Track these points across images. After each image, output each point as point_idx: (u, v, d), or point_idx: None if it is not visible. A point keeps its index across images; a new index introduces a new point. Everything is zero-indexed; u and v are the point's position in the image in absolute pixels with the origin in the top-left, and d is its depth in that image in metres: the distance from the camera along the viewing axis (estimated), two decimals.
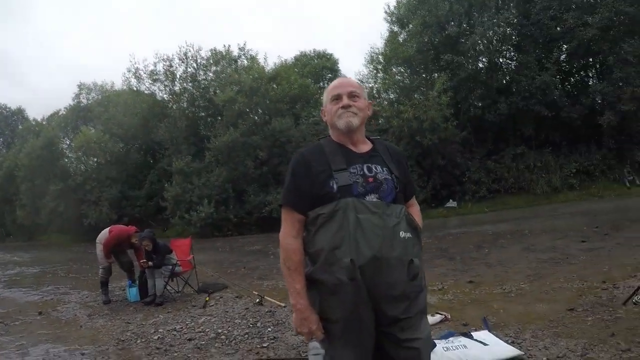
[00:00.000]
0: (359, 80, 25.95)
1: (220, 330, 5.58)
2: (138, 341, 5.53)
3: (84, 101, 32.74)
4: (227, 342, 5.15)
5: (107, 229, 8.41)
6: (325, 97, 2.18)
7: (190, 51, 24.84)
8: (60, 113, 34.51)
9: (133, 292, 7.98)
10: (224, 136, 21.26)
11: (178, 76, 25.34)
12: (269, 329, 5.42)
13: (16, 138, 39.17)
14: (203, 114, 25.08)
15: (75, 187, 26.53)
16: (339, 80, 2.23)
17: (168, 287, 8.03)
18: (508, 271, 7.70)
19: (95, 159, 27.53)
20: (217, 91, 23.24)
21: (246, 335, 5.28)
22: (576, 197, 18.10)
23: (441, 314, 5.27)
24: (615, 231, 10.42)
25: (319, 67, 28.78)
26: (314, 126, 20.68)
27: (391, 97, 20.41)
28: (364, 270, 1.85)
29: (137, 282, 8.02)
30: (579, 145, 19.55)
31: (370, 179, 1.99)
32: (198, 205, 20.98)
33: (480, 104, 19.84)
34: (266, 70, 23.99)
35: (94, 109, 30.19)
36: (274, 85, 22.89)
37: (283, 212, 2.08)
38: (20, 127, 41.98)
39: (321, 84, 26.89)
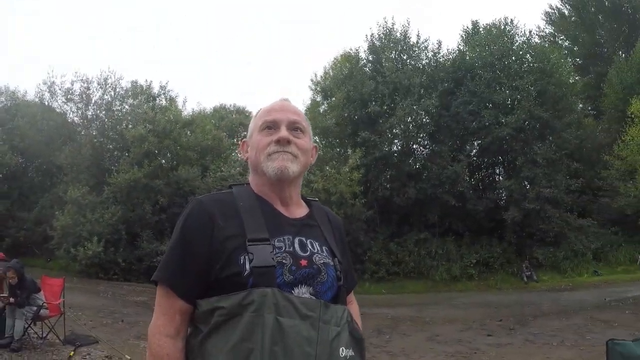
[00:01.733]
0: None
1: None
2: None
3: None
4: None
5: None
6: (253, 124, 1.50)
7: (111, 78, 23.70)
8: None
9: None
10: (127, 174, 20.18)
11: (93, 101, 23.95)
12: None
13: None
14: (110, 146, 23.68)
15: None
16: (278, 102, 1.51)
17: (29, 331, 6.95)
18: None
19: None
20: (130, 125, 22.11)
21: None
22: (474, 287, 18.40)
23: None
24: (520, 326, 10.38)
25: (236, 122, 28.40)
26: (220, 181, 20.01)
27: None
28: None
29: None
30: (481, 237, 20.07)
31: (304, 262, 1.33)
32: (87, 242, 19.54)
33: (389, 186, 20.05)
34: (182, 115, 23.24)
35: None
36: (188, 132, 22.19)
37: (158, 293, 1.34)
38: None
39: (235, 140, 26.40)
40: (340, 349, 1.27)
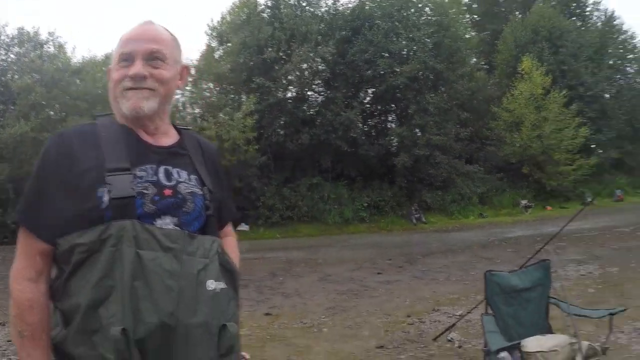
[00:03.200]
0: None
1: None
2: None
3: None
4: None
5: None
6: (114, 53, 1.37)
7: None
8: None
9: None
10: (13, 128, 18.93)
11: None
12: None
13: None
14: None
15: None
16: (137, 28, 1.37)
17: None
18: (307, 303, 7.39)
19: None
20: (15, 76, 20.81)
21: None
22: (366, 229, 19.07)
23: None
24: (409, 264, 10.81)
25: None
26: None
27: (196, 112, 19.88)
28: (146, 347, 1.11)
29: None
30: (373, 182, 20.86)
31: (168, 192, 1.27)
32: None
33: (283, 132, 20.25)
34: (72, 63, 22.09)
35: None
36: (77, 81, 21.17)
37: (19, 235, 1.26)
38: None
39: None
40: (208, 281, 1.20)
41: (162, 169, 1.30)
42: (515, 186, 24.28)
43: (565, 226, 5.36)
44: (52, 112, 20.43)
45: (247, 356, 4.15)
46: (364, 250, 13.84)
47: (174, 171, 1.32)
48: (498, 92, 25.83)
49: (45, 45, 22.04)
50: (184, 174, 1.34)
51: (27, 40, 22.00)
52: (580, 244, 12.77)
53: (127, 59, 1.32)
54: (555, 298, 4.14)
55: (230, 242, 1.57)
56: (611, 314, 3.76)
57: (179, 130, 1.47)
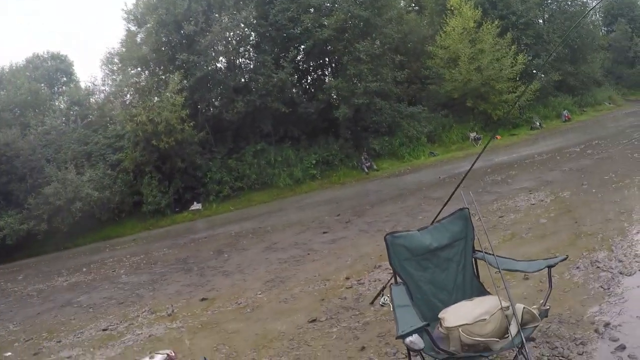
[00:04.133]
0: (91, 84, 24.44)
1: None
2: None
3: None
4: None
5: None
6: None
7: None
8: None
9: None
10: None
11: None
12: None
13: None
14: None
15: None
16: None
17: None
18: (246, 279, 7.15)
19: None
20: None
21: None
22: (318, 186, 19.05)
23: (162, 353, 4.18)
24: (357, 217, 10.58)
25: (53, 69, 26.44)
26: (44, 136, 18.70)
27: (127, 99, 19.30)
28: None
29: None
30: (317, 138, 20.75)
31: None
32: None
33: (217, 104, 19.82)
34: None
35: None
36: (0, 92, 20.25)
37: None
38: None
39: (55, 88, 24.83)
40: None
41: None
42: (461, 120, 24.49)
43: (474, 164, 4.77)
44: None
45: (172, 353, 3.98)
46: (315, 209, 13.67)
47: None
48: (431, 30, 25.89)
49: None
50: None
51: None
52: (531, 170, 12.82)
53: None
54: (480, 251, 3.49)
55: None
56: (549, 266, 3.02)
57: None
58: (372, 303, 4.84)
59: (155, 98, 18.04)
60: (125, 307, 6.97)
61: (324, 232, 9.49)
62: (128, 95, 19.54)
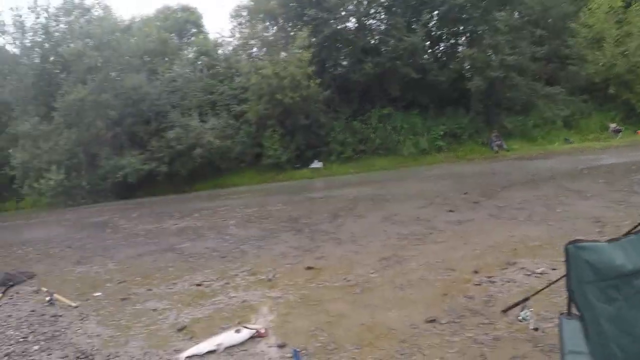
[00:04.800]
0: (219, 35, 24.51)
1: None
2: None
3: None
4: None
5: None
6: None
7: None
8: None
9: None
10: (72, 94, 19.12)
11: (29, 27, 22.36)
12: (36, 347, 4.10)
13: None
14: (57, 70, 22.22)
15: None
16: None
17: None
18: (359, 252, 6.18)
19: None
20: (71, 44, 20.82)
21: (6, 358, 3.95)
22: (444, 159, 17.86)
23: (251, 328, 3.63)
24: (486, 199, 9.25)
25: (182, 21, 26.47)
26: (170, 83, 19.05)
27: (253, 52, 19.14)
28: None
29: None
30: (446, 109, 19.42)
31: None
32: (46, 172, 18.91)
33: (345, 63, 19.21)
34: (120, 22, 22.03)
35: None
36: (130, 39, 20.98)
37: None
38: None
39: (185, 39, 25.31)
40: None
41: None
42: (601, 108, 21.93)
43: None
44: (113, 73, 20.28)
45: (263, 330, 3.68)
46: (439, 182, 12.50)
47: None
48: (574, 7, 23.59)
49: (92, 10, 22.04)
50: None
51: (74, 8, 22.03)
52: None
53: None
54: None
55: None
56: None
57: None
58: (504, 311, 3.64)
59: (282, 53, 17.72)
60: (225, 262, 6.43)
61: (450, 211, 8.23)
62: (255, 49, 19.64)
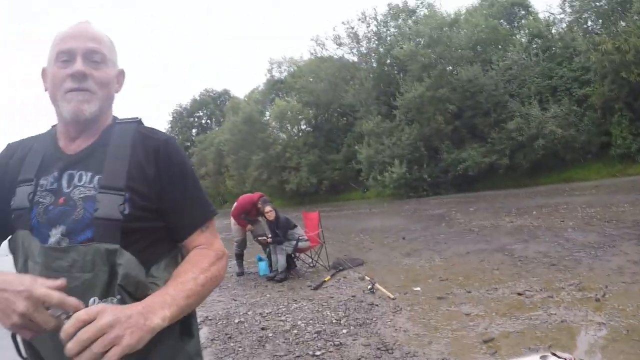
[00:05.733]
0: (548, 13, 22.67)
1: (299, 323, 4.79)
2: (218, 323, 5.11)
3: (277, 75, 34.86)
4: (291, 339, 4.33)
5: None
6: (50, 52, 1.25)
7: (367, 9, 24.97)
8: (259, 89, 36.79)
9: (262, 266, 7.72)
10: (410, 92, 20.81)
11: (362, 36, 25.39)
12: (345, 331, 4.40)
13: (222, 117, 42.22)
14: (394, 71, 24.59)
15: (276, 156, 28.51)
16: (75, 26, 1.26)
17: (299, 262, 7.82)
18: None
19: (294, 127, 29.50)
20: (403, 46, 22.27)
21: (315, 335, 4.34)
22: None
23: (562, 357, 2.93)
24: None
25: (509, 4, 25.03)
26: (506, 71, 18.97)
27: (588, 26, 17.30)
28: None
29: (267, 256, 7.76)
30: None
31: (62, 199, 1.15)
32: (390, 166, 20.98)
33: None
34: (446, 16, 22.50)
35: (287, 81, 32.18)
36: (459, 32, 21.30)
37: None
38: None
39: (515, 23, 24.22)
40: (92, 299, 0.96)
41: (66, 175, 1.18)
42: None
43: None
44: (449, 68, 21.19)
45: None
46: None
47: (77, 175, 1.17)
48: None
49: (417, 11, 23.55)
50: (87, 177, 1.17)
51: (399, 12, 23.91)
52: None
53: (66, 57, 1.20)
54: None
55: (200, 256, 1.20)
56: None
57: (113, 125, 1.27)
58: None
59: (621, 22, 15.62)
60: (554, 271, 5.70)
61: None
62: (589, 22, 17.78)
